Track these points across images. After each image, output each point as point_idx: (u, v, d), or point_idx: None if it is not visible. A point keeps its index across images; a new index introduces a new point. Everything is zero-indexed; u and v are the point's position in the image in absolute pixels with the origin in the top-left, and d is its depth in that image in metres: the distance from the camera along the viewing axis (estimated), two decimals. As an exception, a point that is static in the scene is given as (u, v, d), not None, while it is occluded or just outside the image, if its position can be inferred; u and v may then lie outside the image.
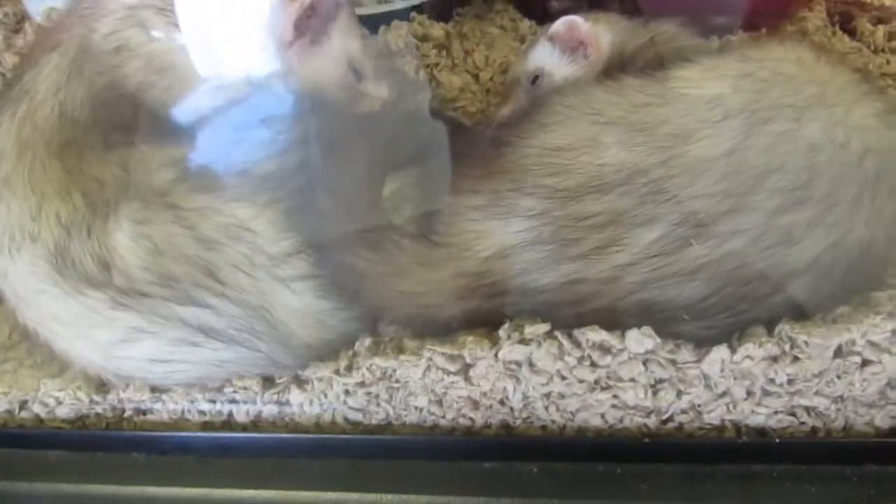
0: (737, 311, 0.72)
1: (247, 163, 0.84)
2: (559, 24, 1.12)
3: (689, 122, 0.76)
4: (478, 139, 0.94)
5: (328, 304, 0.81)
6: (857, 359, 0.71)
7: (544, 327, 0.73)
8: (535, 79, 1.13)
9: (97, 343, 0.81)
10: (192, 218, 0.79)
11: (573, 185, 0.74)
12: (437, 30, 1.45)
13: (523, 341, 0.74)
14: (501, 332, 0.75)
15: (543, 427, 0.80)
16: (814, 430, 0.77)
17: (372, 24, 1.41)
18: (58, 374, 0.87)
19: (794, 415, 0.76)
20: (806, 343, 0.70)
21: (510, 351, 0.74)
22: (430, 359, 0.76)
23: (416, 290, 0.77)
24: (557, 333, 0.74)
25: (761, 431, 0.78)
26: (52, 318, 0.81)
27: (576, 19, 1.12)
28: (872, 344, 0.70)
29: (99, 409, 0.88)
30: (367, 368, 0.79)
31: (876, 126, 0.76)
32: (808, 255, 0.70)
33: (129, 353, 0.80)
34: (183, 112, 0.87)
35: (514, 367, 0.76)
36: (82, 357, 0.84)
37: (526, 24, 1.52)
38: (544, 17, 1.54)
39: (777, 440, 0.77)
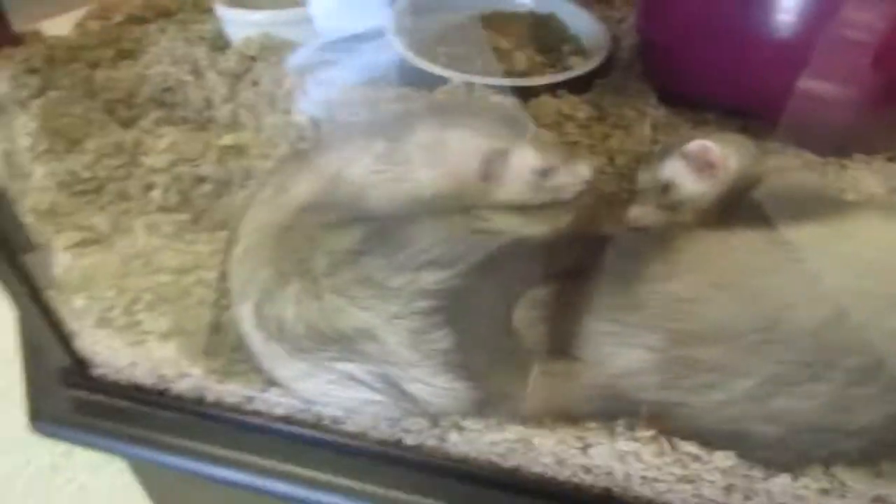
0: (803, 451, 0.94)
1: (381, 275, 0.95)
2: (694, 146, 1.32)
3: (790, 293, 0.96)
4: (612, 257, 1.15)
5: (459, 398, 1.00)
6: (891, 506, 0.93)
7: (651, 433, 0.99)
8: (665, 187, 1.34)
9: (284, 377, 1.09)
10: (330, 313, 0.95)
11: (687, 330, 0.96)
12: (581, 111, 1.65)
13: (634, 439, 1.00)
14: (619, 429, 1.01)
15: (636, 497, 1.07)
16: (853, 542, 0.99)
17: (521, 97, 1.62)
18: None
19: (836, 530, 0.99)
20: (852, 488, 0.92)
21: (623, 444, 1.00)
22: (563, 437, 1.03)
23: (561, 400, 1.03)
24: (662, 438, 0.99)
25: (811, 537, 1.00)
26: (256, 352, 1.10)
27: (709, 144, 1.31)
28: (904, 498, 0.92)
29: (305, 416, 1.22)
30: (510, 431, 1.07)
31: None
32: (863, 422, 0.90)
33: (304, 386, 1.07)
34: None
35: (623, 453, 1.02)
36: (279, 383, 1.13)
37: (661, 112, 1.69)
38: (679, 100, 1.71)
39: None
